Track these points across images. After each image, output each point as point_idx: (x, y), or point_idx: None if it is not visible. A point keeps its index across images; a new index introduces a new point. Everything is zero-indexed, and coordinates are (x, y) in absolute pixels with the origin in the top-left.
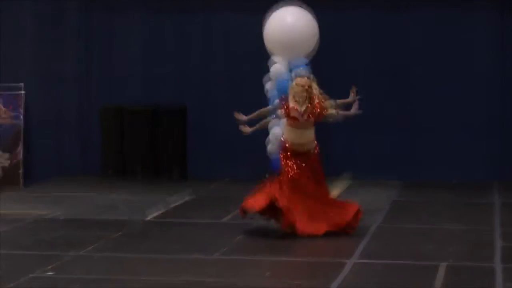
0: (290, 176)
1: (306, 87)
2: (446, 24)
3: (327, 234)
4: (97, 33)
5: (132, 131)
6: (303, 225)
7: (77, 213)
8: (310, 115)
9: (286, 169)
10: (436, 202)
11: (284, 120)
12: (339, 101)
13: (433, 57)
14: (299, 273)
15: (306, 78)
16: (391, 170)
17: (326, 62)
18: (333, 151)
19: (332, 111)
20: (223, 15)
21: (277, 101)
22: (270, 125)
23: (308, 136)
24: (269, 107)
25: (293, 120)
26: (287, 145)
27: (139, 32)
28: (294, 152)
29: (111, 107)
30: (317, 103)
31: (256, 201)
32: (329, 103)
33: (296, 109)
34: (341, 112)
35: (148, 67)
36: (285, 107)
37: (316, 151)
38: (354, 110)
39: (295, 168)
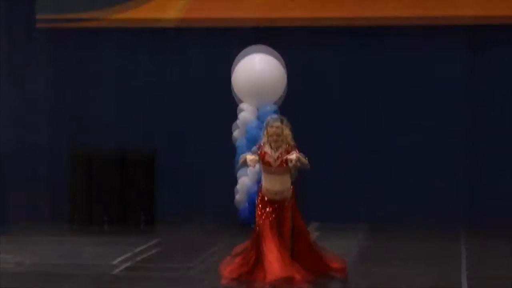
0: (269, 221)
1: (279, 132)
2: (416, 66)
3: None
4: (66, 75)
5: (101, 177)
6: (282, 269)
7: (42, 261)
8: (283, 162)
9: (262, 216)
10: (404, 246)
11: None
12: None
13: (404, 99)
14: None
15: (278, 123)
16: (359, 214)
17: (295, 104)
18: (301, 194)
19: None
20: (194, 60)
21: (255, 147)
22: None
23: (283, 183)
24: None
25: (267, 166)
26: (263, 192)
27: (109, 74)
28: (270, 199)
29: (80, 152)
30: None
31: (235, 270)
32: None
33: (270, 155)
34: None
35: (118, 112)
36: (260, 152)
37: (292, 199)
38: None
39: (271, 214)
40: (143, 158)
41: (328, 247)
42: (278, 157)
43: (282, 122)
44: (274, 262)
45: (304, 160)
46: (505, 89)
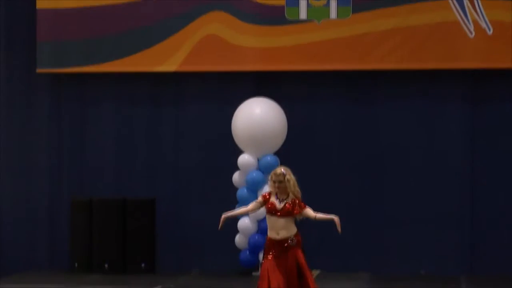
0: (269, 263)
1: (281, 179)
2: (416, 118)
3: None
4: (67, 125)
5: (101, 224)
6: None
7: None
8: (286, 210)
9: (265, 260)
10: None
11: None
12: (318, 217)
13: (404, 149)
14: None
15: (280, 171)
16: (360, 262)
17: (296, 154)
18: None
19: (309, 212)
20: (194, 107)
21: (260, 198)
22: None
23: (287, 227)
24: (249, 206)
25: (271, 212)
26: (268, 236)
27: (109, 123)
28: (274, 243)
29: (81, 200)
30: (294, 200)
31: None
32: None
33: (274, 204)
34: (319, 216)
35: (119, 160)
36: (266, 198)
37: (297, 242)
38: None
39: (272, 259)
40: (143, 207)
41: None
42: (283, 205)
43: (285, 169)
44: None
45: (321, 215)
46: (504, 138)
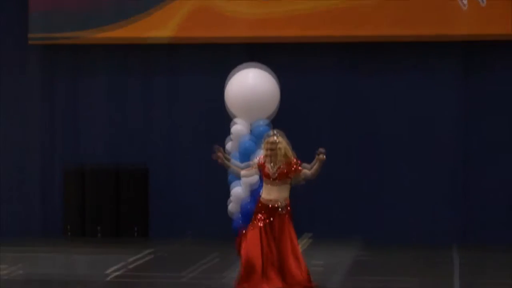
0: (259, 227)
1: (273, 147)
2: (410, 90)
3: None
4: (60, 93)
5: (94, 191)
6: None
7: (37, 271)
8: (281, 175)
9: (255, 222)
10: (396, 261)
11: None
12: (313, 170)
13: (397, 121)
14: None
15: (273, 139)
16: (352, 229)
17: (288, 123)
18: (295, 209)
19: (305, 171)
20: (187, 75)
21: (255, 164)
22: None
23: (280, 194)
24: (242, 164)
25: (266, 177)
26: (260, 199)
27: (102, 93)
28: (265, 207)
29: (74, 167)
30: (292, 162)
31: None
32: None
33: (268, 169)
34: (313, 169)
35: (111, 128)
36: (260, 163)
37: (287, 211)
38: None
39: (262, 221)
40: (136, 172)
41: (321, 258)
42: (277, 170)
43: (277, 137)
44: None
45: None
46: (497, 105)
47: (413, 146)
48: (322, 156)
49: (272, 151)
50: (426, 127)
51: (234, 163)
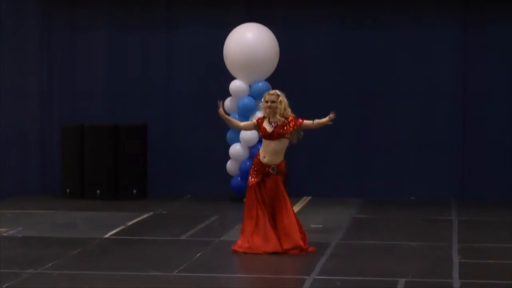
0: (249, 187)
1: (274, 99)
2: (408, 41)
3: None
4: (59, 50)
5: (92, 148)
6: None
7: (36, 231)
8: (278, 132)
9: (251, 179)
10: (395, 219)
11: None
12: (315, 122)
13: (395, 74)
14: None
15: (274, 91)
16: (351, 188)
17: (287, 80)
18: (294, 169)
19: (307, 121)
20: (186, 33)
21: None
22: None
23: (275, 152)
24: (242, 123)
25: (263, 134)
26: (258, 156)
27: (101, 49)
28: (259, 166)
29: (72, 125)
30: (290, 119)
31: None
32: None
33: (265, 128)
34: (317, 121)
35: (110, 85)
36: (260, 120)
37: (280, 171)
38: (327, 118)
39: (255, 179)
40: (135, 132)
41: (320, 218)
42: (274, 126)
43: (278, 93)
44: (242, 235)
45: (317, 121)
46: (495, 63)
47: (412, 101)
48: (330, 120)
49: (273, 103)
50: (424, 81)
51: (233, 120)
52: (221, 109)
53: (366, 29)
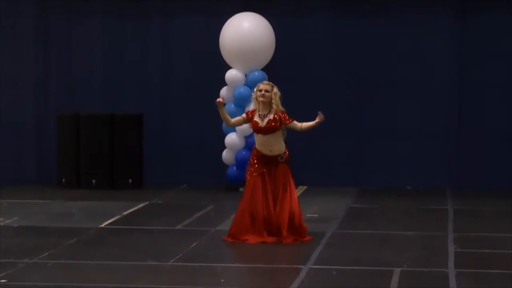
0: (253, 175)
1: (268, 88)
2: (406, 31)
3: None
4: (54, 39)
5: (88, 138)
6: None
7: (32, 220)
8: (271, 125)
9: (250, 170)
10: (390, 208)
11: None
12: (303, 126)
13: (391, 64)
14: (254, 280)
15: (267, 82)
16: (347, 177)
17: (283, 69)
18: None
19: (296, 123)
20: (182, 21)
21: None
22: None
23: (276, 143)
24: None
25: (255, 128)
26: (255, 149)
27: (97, 38)
28: (260, 157)
29: (68, 114)
30: (279, 113)
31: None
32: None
33: (257, 122)
34: (305, 124)
35: (106, 74)
36: (250, 114)
37: (284, 159)
38: (317, 119)
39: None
40: (131, 122)
41: (316, 208)
42: (266, 122)
43: (272, 85)
44: (234, 222)
45: (306, 124)
46: (492, 53)
47: (408, 90)
48: (319, 121)
49: (267, 92)
50: (421, 69)
51: (226, 114)
52: (220, 99)
53: (363, 18)
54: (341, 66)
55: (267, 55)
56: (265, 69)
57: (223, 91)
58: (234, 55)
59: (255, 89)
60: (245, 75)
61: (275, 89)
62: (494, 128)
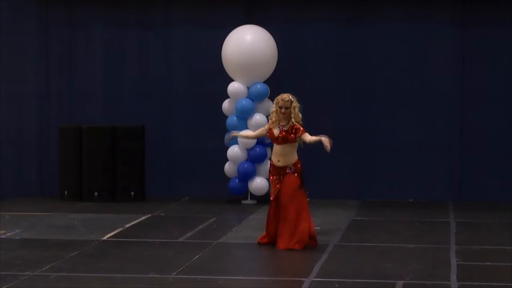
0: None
1: (287, 105)
2: (407, 42)
3: (285, 252)
4: (56, 51)
5: (90, 151)
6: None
7: (34, 233)
8: (285, 136)
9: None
10: (393, 221)
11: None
12: (310, 140)
13: (394, 76)
14: None
15: (287, 96)
16: (349, 190)
17: (285, 82)
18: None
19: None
20: (184, 33)
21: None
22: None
23: (286, 154)
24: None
25: (271, 137)
26: (272, 161)
27: (99, 51)
28: (274, 168)
29: (70, 127)
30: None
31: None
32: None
33: (273, 131)
34: (312, 138)
35: (107, 86)
36: (270, 124)
37: (296, 169)
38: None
39: (275, 182)
40: (132, 134)
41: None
42: (279, 132)
43: (292, 99)
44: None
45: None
46: (494, 64)
47: (409, 101)
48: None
49: (287, 109)
50: (422, 80)
51: (245, 133)
52: (231, 134)
53: (365, 31)
54: (343, 78)
55: (270, 67)
56: (267, 81)
57: (225, 104)
58: (236, 68)
59: (274, 102)
60: (248, 88)
61: (294, 103)
62: (496, 140)
